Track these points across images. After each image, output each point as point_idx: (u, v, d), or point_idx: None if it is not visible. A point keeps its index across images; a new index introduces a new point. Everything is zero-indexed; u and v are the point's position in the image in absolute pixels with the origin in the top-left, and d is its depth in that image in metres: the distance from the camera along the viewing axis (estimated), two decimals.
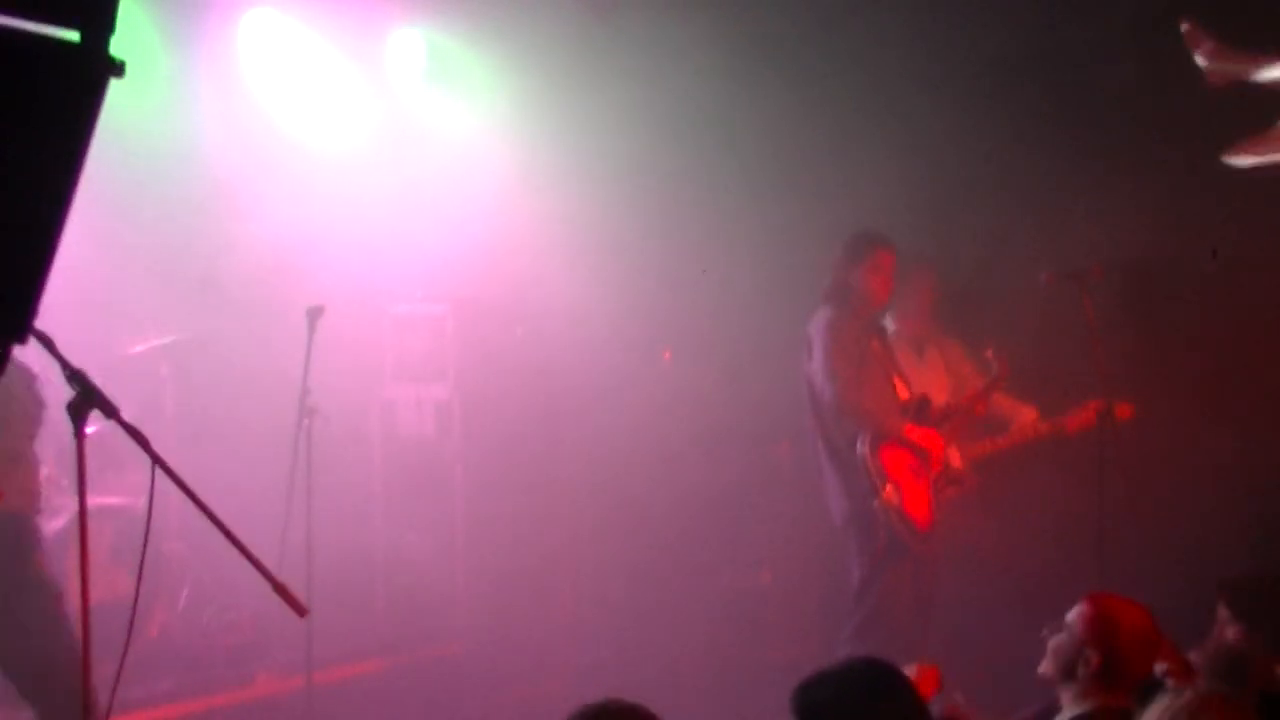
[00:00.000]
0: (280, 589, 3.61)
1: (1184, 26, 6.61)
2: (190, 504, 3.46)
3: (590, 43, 7.33)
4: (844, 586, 6.07)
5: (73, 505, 3.72)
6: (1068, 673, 3.60)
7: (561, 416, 7.43)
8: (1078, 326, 5.73)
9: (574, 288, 7.17)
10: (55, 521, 6.15)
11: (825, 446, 5.95)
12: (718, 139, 7.32)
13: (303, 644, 5.60)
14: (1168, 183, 6.51)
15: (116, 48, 2.05)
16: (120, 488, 6.22)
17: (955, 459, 5.98)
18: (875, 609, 5.80)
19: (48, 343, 3.24)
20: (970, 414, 6.04)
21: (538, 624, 7.05)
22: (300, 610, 3.69)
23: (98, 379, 3.38)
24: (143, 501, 3.81)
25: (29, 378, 4.85)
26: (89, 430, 3.37)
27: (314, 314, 5.89)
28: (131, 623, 3.53)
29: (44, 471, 6.40)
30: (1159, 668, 3.66)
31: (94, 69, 2.02)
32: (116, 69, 2.04)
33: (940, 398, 6.17)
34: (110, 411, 3.37)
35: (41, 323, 2.30)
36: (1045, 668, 3.65)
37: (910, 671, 3.16)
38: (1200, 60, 6.58)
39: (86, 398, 3.31)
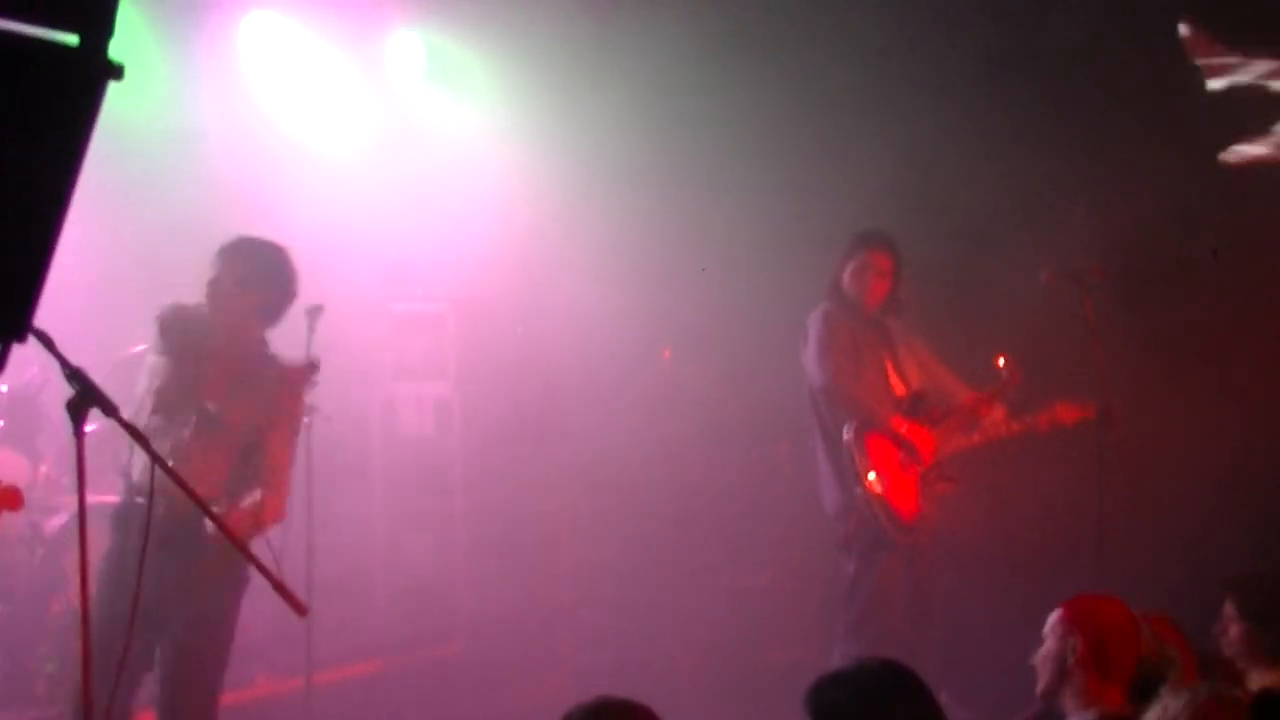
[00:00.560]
0: (280, 588, 3.61)
1: (1184, 27, 6.61)
2: None
3: (589, 43, 7.34)
4: (839, 581, 6.07)
5: (73, 503, 3.72)
6: (1060, 674, 3.63)
7: (561, 415, 7.43)
8: (1078, 326, 5.73)
9: (574, 286, 7.18)
10: (56, 520, 6.17)
11: (821, 437, 5.97)
12: (717, 138, 7.32)
13: (303, 644, 5.60)
14: (1168, 182, 6.51)
15: (116, 50, 2.05)
16: (120, 487, 6.22)
17: (950, 451, 5.98)
18: (869, 605, 5.79)
19: (47, 341, 3.24)
20: (973, 417, 6.01)
21: (538, 624, 7.05)
22: (300, 610, 3.69)
23: (97, 378, 3.38)
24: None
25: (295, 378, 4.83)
26: (89, 428, 3.37)
27: (313, 313, 5.88)
28: (132, 623, 3.53)
29: (43, 470, 6.44)
30: (1170, 651, 3.68)
31: (93, 72, 2.02)
32: (115, 72, 2.04)
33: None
34: (110, 410, 3.37)
35: (40, 321, 2.31)
36: (1040, 683, 3.69)
37: None
38: (1200, 61, 6.59)
39: (86, 396, 3.31)
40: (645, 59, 7.17)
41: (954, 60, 6.78)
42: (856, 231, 6.12)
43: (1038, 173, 6.68)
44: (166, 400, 4.59)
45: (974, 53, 6.75)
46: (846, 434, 5.75)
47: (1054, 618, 3.69)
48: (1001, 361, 6.04)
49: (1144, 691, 3.60)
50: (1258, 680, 4.15)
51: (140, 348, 6.81)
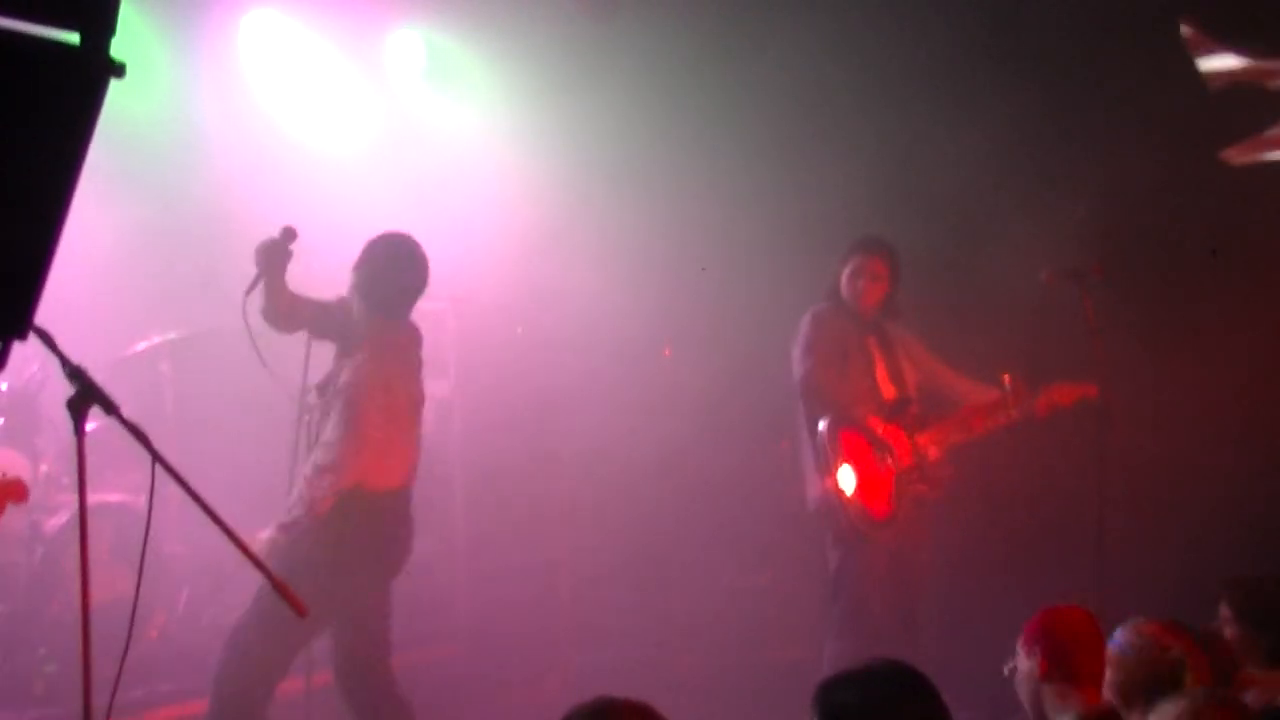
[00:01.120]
0: (280, 588, 3.60)
1: (1184, 28, 6.61)
2: (190, 503, 3.46)
3: (589, 42, 7.34)
4: (823, 576, 6.08)
5: (73, 502, 3.72)
6: (1035, 691, 3.73)
7: (562, 414, 7.43)
8: (1078, 326, 5.73)
9: (574, 285, 7.18)
10: (56, 519, 6.16)
11: (807, 433, 6.02)
12: (718, 137, 7.32)
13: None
14: (1167, 182, 6.51)
15: (117, 49, 2.05)
16: (120, 485, 6.23)
17: (934, 454, 5.98)
18: (853, 603, 5.83)
19: (48, 339, 3.24)
20: (965, 427, 6.01)
21: (538, 624, 7.05)
22: (300, 610, 3.68)
23: (98, 376, 3.37)
24: (143, 499, 3.81)
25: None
26: (89, 427, 3.37)
27: None
28: (131, 623, 3.53)
29: (43, 468, 6.44)
30: (1175, 654, 3.69)
31: (94, 70, 2.03)
32: (117, 70, 2.05)
33: (915, 391, 6.15)
34: (110, 408, 3.37)
35: (41, 319, 2.31)
36: (1022, 699, 3.77)
37: None
38: (1200, 61, 6.59)
39: (86, 394, 3.30)
40: (644, 57, 7.17)
41: (955, 60, 6.77)
42: (855, 236, 6.16)
43: (1037, 172, 6.68)
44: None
45: (974, 52, 6.75)
46: (821, 428, 5.81)
47: (1020, 638, 3.80)
48: (1007, 379, 6.03)
49: (1151, 698, 3.60)
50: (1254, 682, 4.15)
51: (141, 345, 6.83)
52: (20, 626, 6.06)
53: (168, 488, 3.46)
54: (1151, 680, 3.66)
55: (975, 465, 6.18)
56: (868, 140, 6.81)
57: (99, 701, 3.21)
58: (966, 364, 6.29)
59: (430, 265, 5.26)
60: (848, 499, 5.70)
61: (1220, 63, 6.58)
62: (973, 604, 6.25)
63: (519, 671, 6.74)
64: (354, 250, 7.14)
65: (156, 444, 3.44)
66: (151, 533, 3.62)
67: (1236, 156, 6.60)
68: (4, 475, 5.02)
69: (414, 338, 5.33)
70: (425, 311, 7.45)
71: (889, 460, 5.82)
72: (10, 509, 4.98)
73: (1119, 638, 3.77)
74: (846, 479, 5.71)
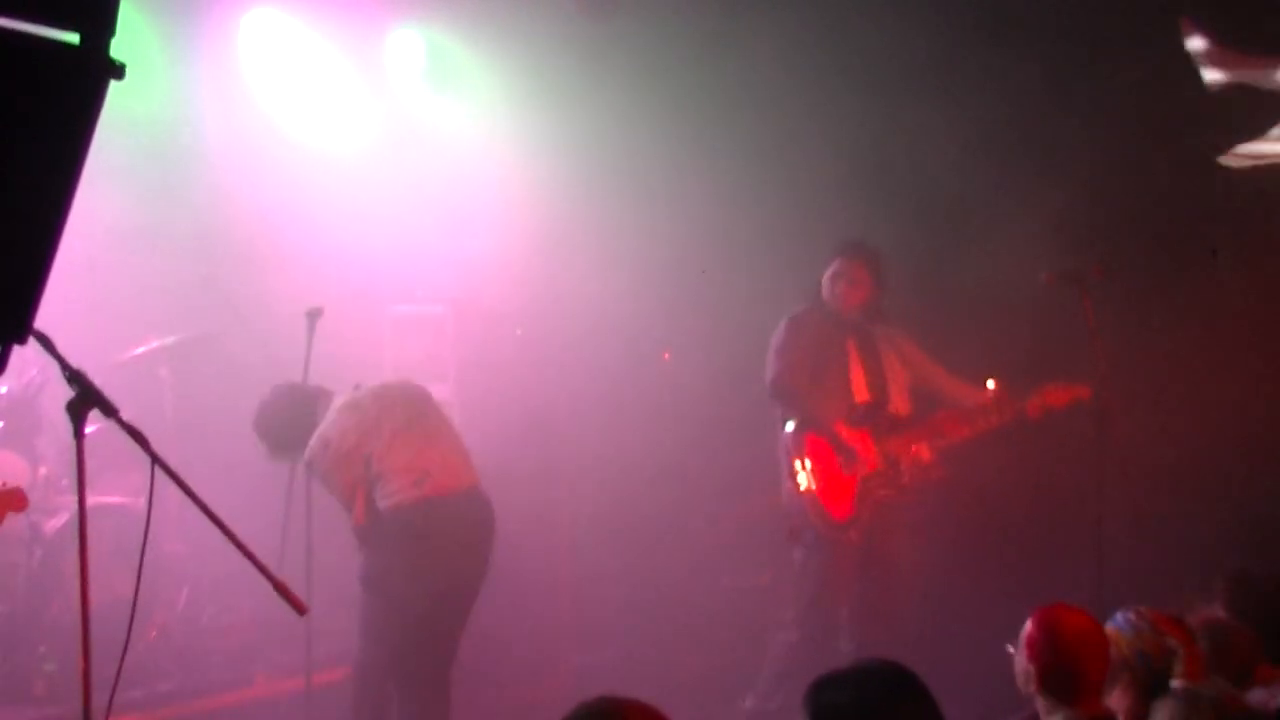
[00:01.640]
0: (280, 588, 3.61)
1: (1184, 28, 6.61)
2: (190, 504, 3.46)
3: (589, 43, 7.34)
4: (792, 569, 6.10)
5: (73, 504, 3.72)
6: (1030, 691, 3.66)
7: (561, 417, 7.42)
8: (1077, 326, 5.73)
9: (574, 288, 7.18)
10: (55, 520, 6.16)
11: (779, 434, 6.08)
12: (718, 139, 7.32)
13: (302, 644, 5.61)
14: (1167, 182, 6.51)
15: (117, 49, 2.05)
16: (120, 487, 6.23)
17: (924, 455, 6.00)
18: (814, 596, 5.94)
19: (47, 343, 3.24)
20: (941, 435, 6.02)
21: (538, 624, 7.04)
22: (300, 609, 3.68)
23: (97, 379, 3.38)
24: (142, 501, 3.81)
25: None
26: (89, 430, 3.37)
27: (313, 316, 5.89)
28: (131, 623, 3.53)
29: (43, 471, 6.43)
30: (1171, 643, 3.68)
31: (94, 71, 2.03)
32: (116, 71, 2.04)
33: (901, 393, 6.15)
34: (110, 411, 3.37)
35: (41, 323, 2.31)
36: (1021, 686, 3.70)
37: None
38: (1200, 61, 6.59)
39: (86, 397, 3.31)
40: (644, 58, 7.16)
41: (954, 59, 6.77)
42: (849, 237, 6.19)
43: (1037, 172, 6.68)
44: None
45: (974, 52, 6.75)
46: (787, 430, 5.92)
47: (1023, 632, 3.66)
48: (991, 384, 6.05)
49: (1151, 688, 3.61)
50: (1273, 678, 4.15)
51: (140, 349, 6.83)
52: (20, 626, 6.07)
53: (167, 489, 3.46)
54: (1141, 662, 3.66)
55: (974, 466, 6.18)
56: (868, 142, 6.81)
57: (99, 701, 3.21)
58: (966, 364, 6.28)
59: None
60: (809, 501, 5.83)
61: (1220, 62, 6.58)
62: (969, 604, 6.24)
63: (519, 671, 6.73)
64: (354, 250, 7.17)
65: (155, 447, 3.44)
66: (151, 532, 3.63)
67: (1237, 156, 6.60)
68: (3, 485, 5.03)
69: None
70: (425, 314, 7.44)
71: (854, 464, 5.90)
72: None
73: (1119, 618, 3.77)
74: (808, 481, 5.83)
